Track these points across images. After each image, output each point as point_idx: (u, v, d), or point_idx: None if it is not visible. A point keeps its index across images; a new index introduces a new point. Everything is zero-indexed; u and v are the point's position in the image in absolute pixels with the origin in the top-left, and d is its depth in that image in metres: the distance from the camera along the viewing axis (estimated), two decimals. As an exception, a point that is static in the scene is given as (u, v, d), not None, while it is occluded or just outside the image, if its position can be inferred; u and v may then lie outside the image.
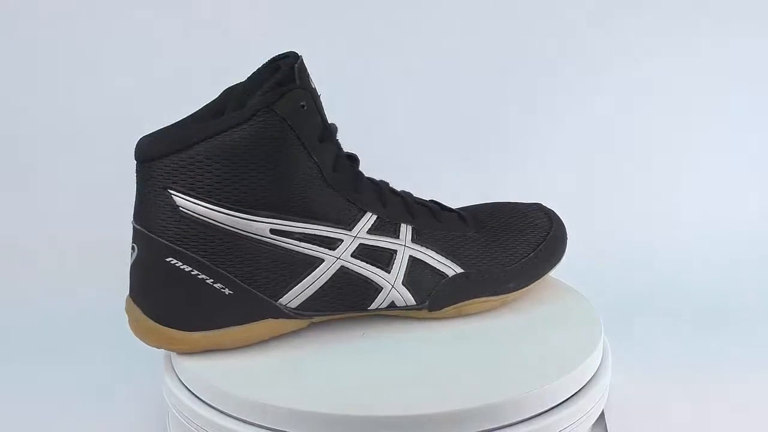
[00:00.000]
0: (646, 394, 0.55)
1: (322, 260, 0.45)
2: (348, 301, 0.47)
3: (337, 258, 0.45)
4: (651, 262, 0.78)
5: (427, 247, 0.48)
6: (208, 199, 0.43)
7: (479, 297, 0.50)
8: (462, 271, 0.49)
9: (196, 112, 0.46)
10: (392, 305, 0.48)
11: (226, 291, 0.44)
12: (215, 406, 0.43)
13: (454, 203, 0.54)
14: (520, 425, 0.41)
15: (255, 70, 0.46)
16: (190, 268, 0.44)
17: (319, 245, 0.45)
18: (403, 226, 0.47)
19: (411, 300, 0.48)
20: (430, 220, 0.49)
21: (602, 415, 0.50)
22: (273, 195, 0.43)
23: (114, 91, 0.84)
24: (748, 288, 0.73)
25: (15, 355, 0.63)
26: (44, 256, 0.78)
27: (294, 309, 0.46)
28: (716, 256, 0.78)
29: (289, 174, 0.43)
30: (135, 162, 0.44)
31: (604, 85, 0.86)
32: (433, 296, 0.48)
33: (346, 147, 0.47)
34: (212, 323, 0.45)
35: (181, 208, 0.43)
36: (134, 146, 0.44)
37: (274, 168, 0.43)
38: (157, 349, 0.46)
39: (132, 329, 0.46)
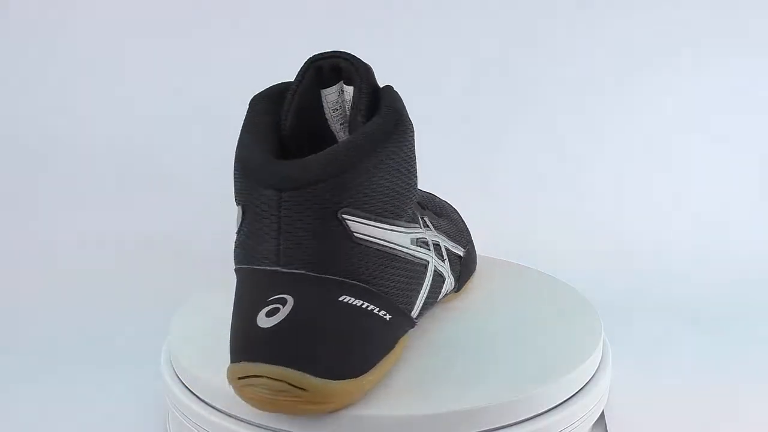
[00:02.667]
0: (646, 394, 0.55)
1: (428, 263, 0.43)
2: (432, 297, 0.46)
3: (433, 258, 0.44)
4: (651, 262, 0.78)
5: (439, 234, 0.48)
6: (377, 218, 0.38)
7: (472, 273, 0.54)
8: (463, 250, 0.51)
9: (258, 118, 0.40)
10: (444, 294, 0.49)
11: (387, 317, 0.39)
12: (215, 405, 0.43)
13: (455, 204, 0.54)
14: (520, 425, 0.41)
15: (299, 70, 0.42)
16: (361, 302, 0.38)
17: (425, 248, 0.43)
18: (422, 218, 0.46)
19: (453, 284, 0.50)
20: (423, 208, 0.49)
21: (602, 415, 0.50)
22: (411, 202, 0.41)
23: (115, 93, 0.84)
24: (748, 288, 0.73)
25: (15, 355, 0.63)
26: (44, 255, 0.78)
27: (415, 319, 0.43)
28: (716, 256, 0.78)
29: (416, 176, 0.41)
30: (275, 191, 0.36)
31: (601, 83, 0.86)
32: (459, 278, 0.51)
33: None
34: (376, 358, 0.39)
35: (355, 234, 0.37)
36: (238, 164, 0.37)
37: (414, 172, 0.40)
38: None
39: (292, 407, 0.37)
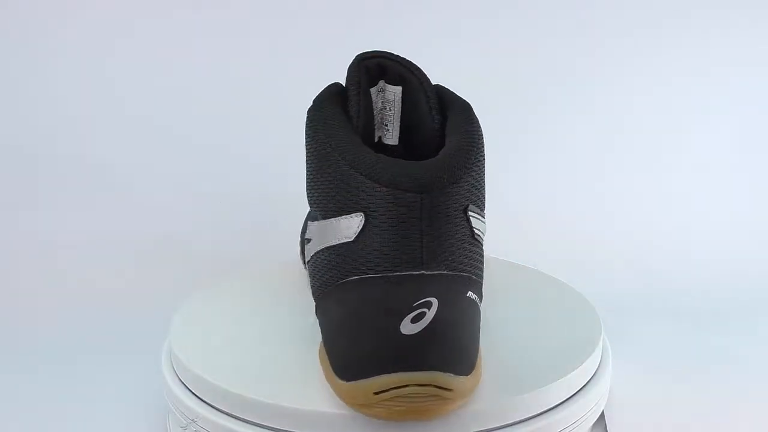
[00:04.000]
0: (646, 394, 0.55)
1: None
2: None
3: None
4: (651, 262, 0.78)
5: None
6: (482, 212, 0.39)
7: None
8: None
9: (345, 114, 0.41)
10: None
11: (480, 305, 0.40)
12: (216, 405, 0.43)
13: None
14: (520, 425, 0.41)
15: (350, 69, 0.42)
16: (475, 295, 0.38)
17: None
18: None
19: None
20: None
21: (602, 415, 0.50)
22: None
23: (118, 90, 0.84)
24: (748, 287, 0.73)
25: (14, 354, 0.63)
26: (44, 255, 0.77)
27: None
28: (717, 256, 0.78)
29: None
30: (415, 194, 0.35)
31: (603, 86, 0.86)
32: None
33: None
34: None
35: (474, 229, 0.38)
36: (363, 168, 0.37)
37: None
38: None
39: (434, 411, 0.36)
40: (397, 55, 0.42)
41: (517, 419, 0.41)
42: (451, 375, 0.35)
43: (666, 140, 0.86)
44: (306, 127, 0.41)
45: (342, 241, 0.37)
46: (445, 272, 0.36)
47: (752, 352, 0.62)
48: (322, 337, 0.40)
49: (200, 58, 0.85)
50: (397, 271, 0.36)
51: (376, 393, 0.35)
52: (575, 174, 0.85)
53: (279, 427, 0.40)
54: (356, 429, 0.39)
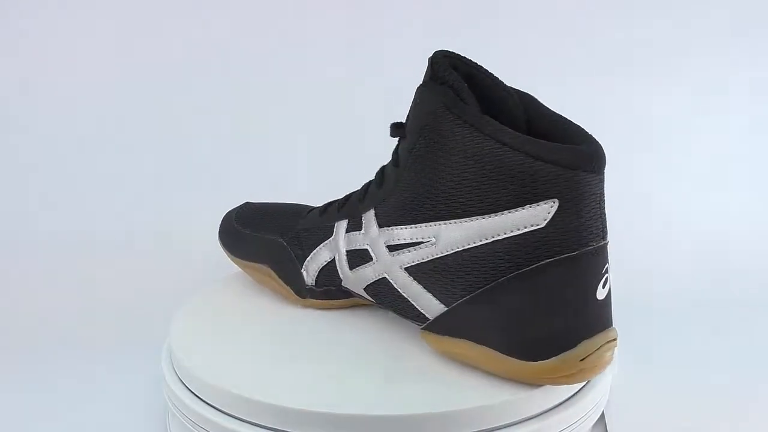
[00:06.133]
0: (646, 394, 0.55)
1: None
2: None
3: None
4: (651, 261, 0.78)
5: None
6: None
7: None
8: None
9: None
10: None
11: None
12: (216, 405, 0.43)
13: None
14: (520, 425, 0.41)
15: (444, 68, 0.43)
16: None
17: None
18: None
19: None
20: None
21: (602, 415, 0.50)
22: None
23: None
24: (749, 287, 0.73)
25: (14, 354, 0.63)
26: (44, 255, 0.77)
27: None
28: (717, 256, 0.78)
29: None
30: (596, 174, 0.39)
31: (607, 80, 0.86)
32: None
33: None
34: None
35: None
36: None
37: None
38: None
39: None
40: (463, 56, 0.43)
41: (517, 419, 0.41)
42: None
43: (666, 139, 0.86)
44: (446, 132, 0.41)
45: (528, 230, 0.39)
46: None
47: (753, 351, 0.62)
48: (481, 333, 0.42)
49: (200, 58, 0.85)
50: (590, 245, 0.39)
51: (582, 359, 0.40)
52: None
53: (279, 427, 0.40)
54: (354, 428, 0.39)
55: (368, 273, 0.46)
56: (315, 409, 0.40)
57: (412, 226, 0.43)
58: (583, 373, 0.40)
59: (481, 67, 0.44)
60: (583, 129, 0.41)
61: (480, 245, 0.41)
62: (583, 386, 0.45)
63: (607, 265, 0.40)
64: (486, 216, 0.40)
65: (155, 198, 0.82)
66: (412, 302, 0.45)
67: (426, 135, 0.42)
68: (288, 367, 0.44)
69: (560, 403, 0.43)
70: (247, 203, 0.58)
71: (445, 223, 0.42)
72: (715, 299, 0.71)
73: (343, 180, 0.57)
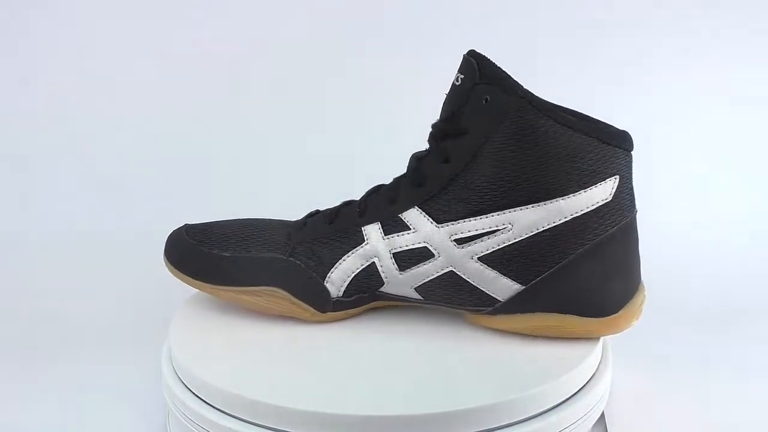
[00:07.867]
0: (646, 394, 0.55)
1: None
2: None
3: None
4: (650, 261, 0.78)
5: None
6: None
7: None
8: None
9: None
10: None
11: None
12: (216, 405, 0.43)
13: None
14: (519, 425, 0.41)
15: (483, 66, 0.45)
16: None
17: None
18: None
19: None
20: None
21: (602, 415, 0.50)
22: None
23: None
24: (748, 287, 0.73)
25: (14, 354, 0.63)
26: (43, 254, 0.77)
27: None
28: (717, 256, 0.78)
29: None
30: (631, 152, 0.46)
31: (605, 74, 0.86)
32: None
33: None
34: None
35: None
36: None
37: None
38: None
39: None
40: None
41: (517, 419, 0.41)
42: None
43: (667, 138, 0.86)
44: (527, 125, 0.44)
45: (596, 206, 0.45)
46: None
47: (753, 352, 0.62)
48: (558, 303, 0.46)
49: (200, 56, 0.85)
50: (635, 211, 0.47)
51: (641, 304, 0.48)
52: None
53: (279, 427, 0.40)
54: (355, 428, 0.39)
55: (427, 270, 0.47)
56: (315, 409, 0.40)
57: (482, 216, 0.45)
58: (636, 319, 0.47)
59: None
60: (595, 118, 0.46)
61: (559, 224, 0.44)
62: (583, 386, 0.45)
63: None
64: (564, 197, 0.44)
65: (155, 198, 0.82)
66: (482, 289, 0.46)
67: (504, 130, 0.44)
68: (288, 367, 0.44)
69: (560, 403, 0.43)
70: (188, 225, 0.51)
71: (522, 209, 0.45)
72: (715, 299, 0.71)
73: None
